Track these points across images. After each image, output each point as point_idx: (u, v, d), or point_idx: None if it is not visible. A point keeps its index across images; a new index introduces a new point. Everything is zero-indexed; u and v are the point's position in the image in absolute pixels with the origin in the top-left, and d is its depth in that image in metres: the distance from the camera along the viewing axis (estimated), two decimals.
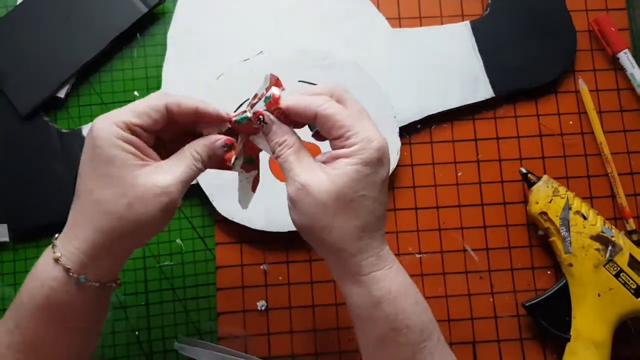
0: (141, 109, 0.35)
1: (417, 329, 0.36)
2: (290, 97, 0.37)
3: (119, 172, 0.34)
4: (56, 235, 0.35)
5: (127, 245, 0.36)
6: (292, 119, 0.37)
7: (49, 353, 0.35)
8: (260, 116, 0.37)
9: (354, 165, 0.35)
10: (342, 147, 0.36)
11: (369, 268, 0.36)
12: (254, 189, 0.42)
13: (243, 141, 0.39)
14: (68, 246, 0.34)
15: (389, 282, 0.36)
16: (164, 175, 0.35)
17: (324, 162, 0.36)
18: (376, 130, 0.36)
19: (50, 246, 0.35)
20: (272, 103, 0.37)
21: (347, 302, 0.38)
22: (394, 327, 0.35)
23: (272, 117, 0.37)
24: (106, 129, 0.34)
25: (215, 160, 0.38)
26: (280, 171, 0.51)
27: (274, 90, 0.37)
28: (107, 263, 0.35)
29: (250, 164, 0.41)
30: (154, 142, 0.37)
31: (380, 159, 0.36)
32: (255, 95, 0.38)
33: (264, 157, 0.51)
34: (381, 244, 0.37)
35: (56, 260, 0.34)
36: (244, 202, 0.43)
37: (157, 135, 0.37)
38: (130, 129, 0.35)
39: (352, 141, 0.35)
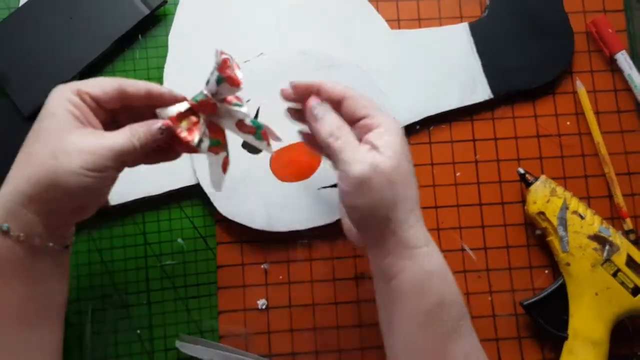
0: (96, 81, 0.38)
1: (458, 307, 0.37)
2: (317, 80, 0.40)
3: (55, 126, 0.36)
4: None
5: (54, 202, 0.35)
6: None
7: None
8: (314, 105, 0.39)
9: (399, 139, 0.37)
10: (371, 126, 0.38)
11: (422, 241, 0.37)
12: (224, 170, 0.43)
13: (206, 123, 0.39)
14: None
15: (436, 258, 0.38)
16: (96, 137, 0.36)
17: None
18: None
19: None
20: (223, 66, 0.37)
21: (388, 285, 0.38)
22: (440, 302, 0.36)
23: (326, 106, 0.39)
24: (59, 91, 0.37)
25: (153, 141, 0.38)
26: (281, 171, 0.52)
27: (223, 56, 0.37)
28: (34, 218, 0.35)
29: (217, 146, 0.41)
30: (103, 118, 0.39)
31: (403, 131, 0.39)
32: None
33: (265, 157, 0.52)
34: (422, 218, 0.39)
35: None
36: (216, 184, 0.44)
37: (113, 114, 0.40)
38: (81, 95, 0.37)
39: (380, 118, 0.38)
